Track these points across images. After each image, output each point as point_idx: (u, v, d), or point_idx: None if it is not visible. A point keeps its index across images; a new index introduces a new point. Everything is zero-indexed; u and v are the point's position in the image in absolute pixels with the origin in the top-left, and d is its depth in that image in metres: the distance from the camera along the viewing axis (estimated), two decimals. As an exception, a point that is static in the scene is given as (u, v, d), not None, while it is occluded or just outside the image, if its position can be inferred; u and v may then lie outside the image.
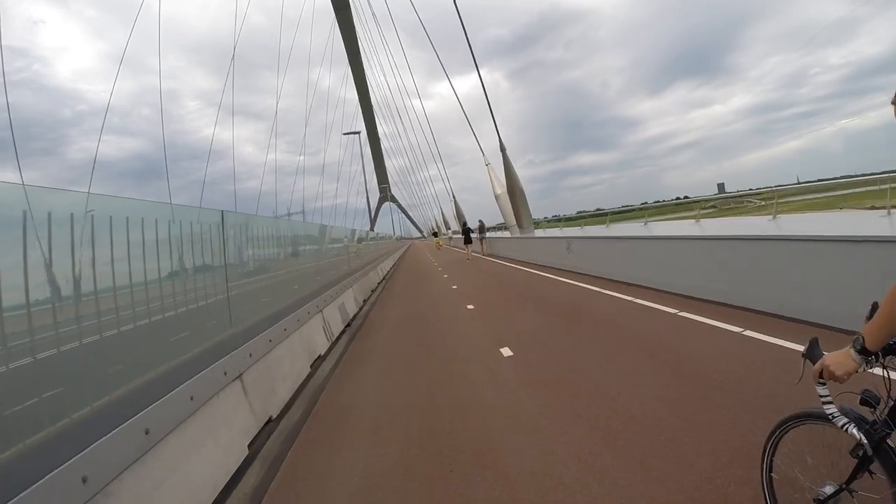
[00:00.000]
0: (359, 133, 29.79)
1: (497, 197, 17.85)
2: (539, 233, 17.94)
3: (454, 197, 38.39)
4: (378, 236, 29.82)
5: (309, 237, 9.05)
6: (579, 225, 18.89)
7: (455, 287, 11.55)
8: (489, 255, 18.02)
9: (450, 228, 49.49)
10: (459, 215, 34.80)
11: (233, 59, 14.60)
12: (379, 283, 14.79)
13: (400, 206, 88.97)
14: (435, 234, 50.87)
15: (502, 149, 16.78)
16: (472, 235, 19.87)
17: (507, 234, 18.65)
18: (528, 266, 13.34)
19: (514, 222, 17.09)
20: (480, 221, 19.55)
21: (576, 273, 10.01)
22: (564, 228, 19.84)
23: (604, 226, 15.73)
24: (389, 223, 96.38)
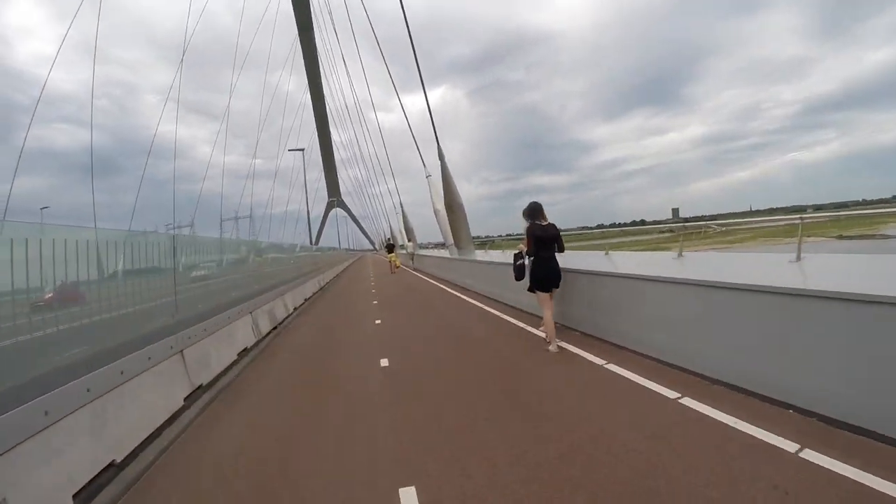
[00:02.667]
0: (303, 150, 25.76)
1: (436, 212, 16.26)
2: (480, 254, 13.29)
3: (441, 159, 13.96)
4: (301, 249, 17.82)
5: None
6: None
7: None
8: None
9: (410, 240, 31.18)
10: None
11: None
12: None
13: (350, 214, 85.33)
14: (390, 248, 26.40)
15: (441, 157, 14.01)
16: (522, 262, 5.01)
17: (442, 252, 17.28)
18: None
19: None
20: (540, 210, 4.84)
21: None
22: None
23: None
24: (337, 232, 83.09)
